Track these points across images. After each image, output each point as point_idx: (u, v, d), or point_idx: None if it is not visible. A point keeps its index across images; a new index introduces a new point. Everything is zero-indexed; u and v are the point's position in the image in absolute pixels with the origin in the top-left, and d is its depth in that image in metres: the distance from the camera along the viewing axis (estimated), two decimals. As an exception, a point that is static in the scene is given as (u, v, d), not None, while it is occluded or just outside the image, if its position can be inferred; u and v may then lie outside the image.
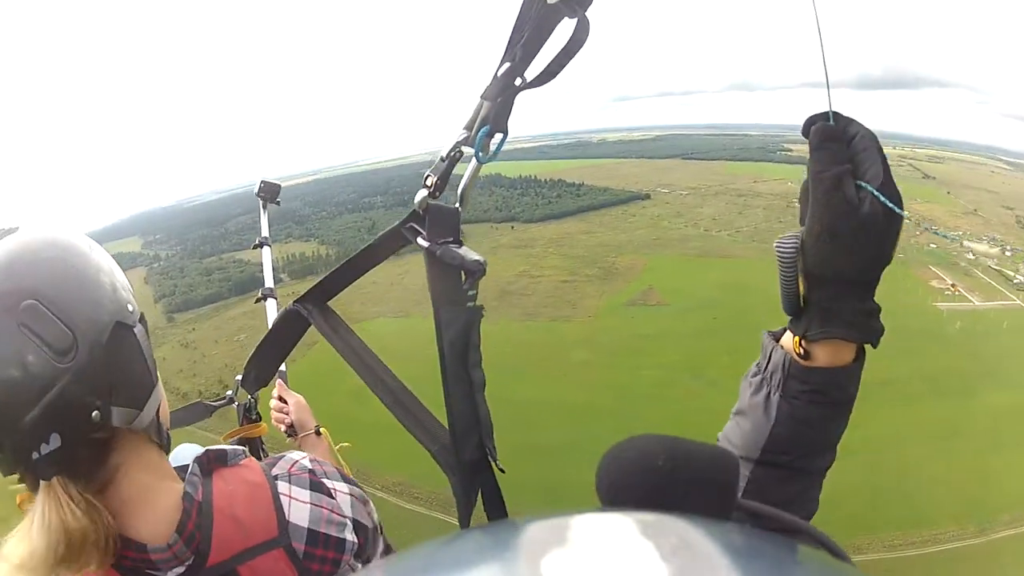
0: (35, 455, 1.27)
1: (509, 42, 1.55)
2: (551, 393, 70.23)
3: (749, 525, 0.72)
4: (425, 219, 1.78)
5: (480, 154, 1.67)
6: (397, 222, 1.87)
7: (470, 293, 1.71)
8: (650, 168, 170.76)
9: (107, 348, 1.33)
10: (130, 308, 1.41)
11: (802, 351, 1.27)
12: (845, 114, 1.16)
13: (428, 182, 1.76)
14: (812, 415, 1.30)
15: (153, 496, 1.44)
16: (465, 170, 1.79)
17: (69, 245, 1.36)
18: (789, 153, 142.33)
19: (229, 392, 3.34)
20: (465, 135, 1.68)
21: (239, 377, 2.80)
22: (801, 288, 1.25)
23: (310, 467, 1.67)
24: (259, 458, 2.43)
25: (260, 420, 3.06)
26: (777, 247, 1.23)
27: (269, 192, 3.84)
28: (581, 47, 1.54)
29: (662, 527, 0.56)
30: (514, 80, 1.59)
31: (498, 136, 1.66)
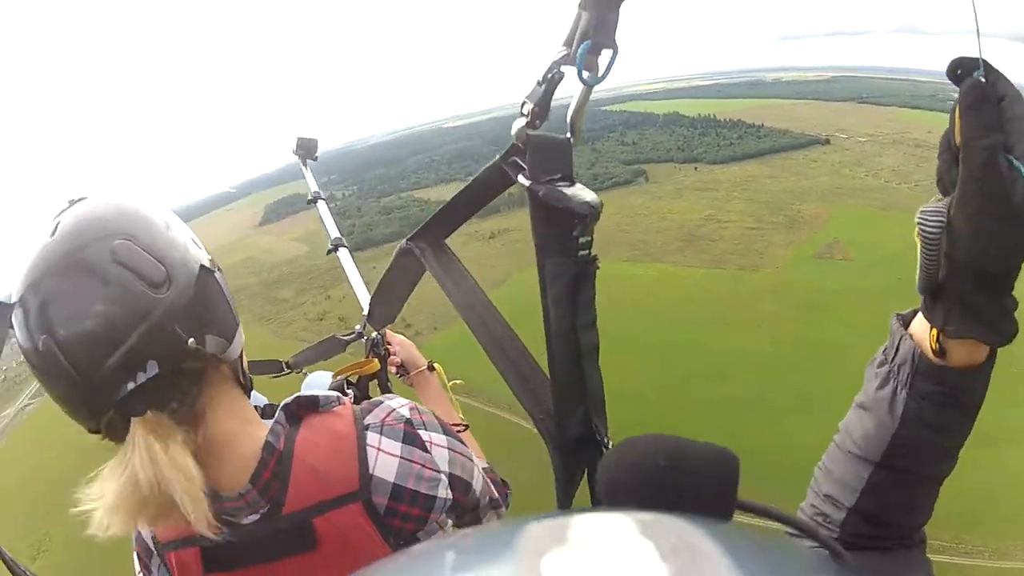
0: (130, 385, 1.28)
1: None
2: (739, 344, 72.74)
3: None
4: (525, 150, 1.58)
5: (585, 74, 1.46)
6: (498, 156, 1.67)
7: (582, 241, 1.50)
8: (826, 111, 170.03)
9: (196, 285, 1.39)
10: (208, 257, 1.48)
11: (937, 347, 1.15)
12: (995, 68, 0.99)
13: (525, 110, 1.56)
14: (940, 419, 1.21)
15: (236, 443, 1.45)
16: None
17: (140, 204, 1.42)
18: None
19: (358, 327, 3.31)
20: (565, 52, 1.47)
21: (365, 313, 2.94)
22: (941, 269, 1.10)
23: (407, 416, 1.56)
24: (386, 391, 2.75)
25: (388, 355, 2.89)
26: (921, 221, 1.09)
27: (307, 148, 3.88)
28: None
29: (662, 527, 0.56)
30: None
31: (606, 52, 1.45)
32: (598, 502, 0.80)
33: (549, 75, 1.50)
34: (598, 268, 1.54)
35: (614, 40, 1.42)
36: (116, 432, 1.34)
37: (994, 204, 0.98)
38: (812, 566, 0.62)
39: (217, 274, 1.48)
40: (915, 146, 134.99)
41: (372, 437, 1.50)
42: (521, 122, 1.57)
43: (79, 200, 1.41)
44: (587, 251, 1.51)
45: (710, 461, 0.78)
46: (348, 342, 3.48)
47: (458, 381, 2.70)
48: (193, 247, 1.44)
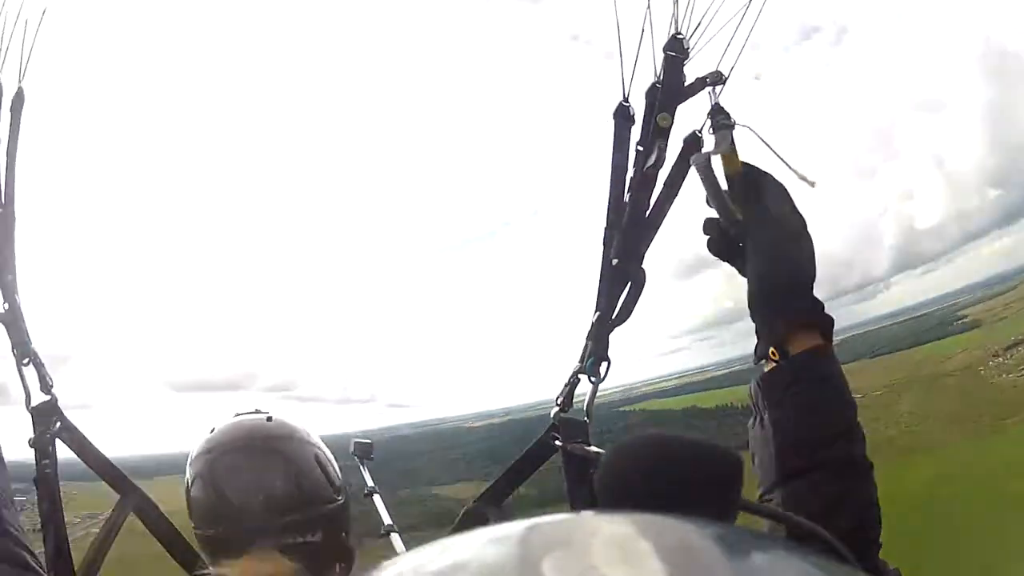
0: (299, 539, 1.80)
1: (596, 298, 2.18)
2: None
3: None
4: (559, 427, 2.42)
5: (592, 378, 2.25)
6: (543, 432, 2.51)
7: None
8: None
9: (350, 506, 1.99)
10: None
11: (776, 353, 1.47)
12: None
13: (558, 401, 2.39)
14: (800, 404, 1.39)
15: None
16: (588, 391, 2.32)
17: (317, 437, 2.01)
18: (965, 320, 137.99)
19: None
20: (579, 366, 2.29)
21: None
22: (730, 203, 1.62)
23: None
24: None
25: None
26: (692, 162, 1.63)
27: (363, 450, 4.37)
28: (640, 293, 2.13)
29: (662, 529, 0.57)
30: (606, 322, 2.16)
31: (604, 364, 2.24)
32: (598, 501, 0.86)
33: (570, 379, 2.36)
34: None
35: (607, 355, 2.25)
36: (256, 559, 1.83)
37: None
38: (814, 569, 0.62)
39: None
40: (931, 379, 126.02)
41: None
42: (555, 409, 2.44)
43: (259, 413, 2.07)
44: None
45: (712, 461, 0.77)
46: None
47: None
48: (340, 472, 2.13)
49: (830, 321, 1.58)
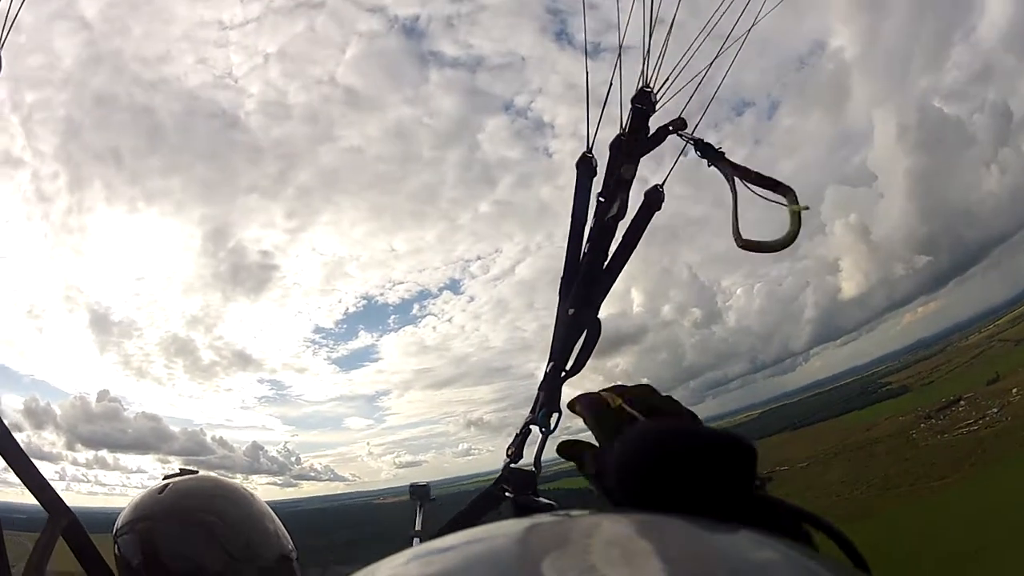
0: None
1: (551, 348, 2.21)
2: None
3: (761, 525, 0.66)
4: (509, 479, 2.31)
5: (543, 429, 2.21)
6: (492, 483, 2.43)
7: None
8: (762, 448, 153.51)
9: (272, 567, 1.92)
10: (289, 547, 1.96)
11: None
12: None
13: (509, 452, 2.33)
14: None
15: None
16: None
17: (241, 492, 2.01)
18: (891, 387, 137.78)
19: None
20: (531, 416, 2.25)
21: None
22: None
23: None
24: None
25: None
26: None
27: (420, 494, 4.34)
28: (595, 343, 2.18)
29: (665, 530, 0.57)
30: (559, 373, 2.18)
31: (555, 415, 2.20)
32: (608, 492, 0.82)
33: (521, 429, 2.26)
34: None
35: (559, 407, 2.16)
36: None
37: None
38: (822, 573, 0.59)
39: (295, 563, 2.05)
40: (856, 449, 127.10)
41: None
42: (505, 459, 2.31)
43: (190, 473, 2.10)
44: None
45: (726, 451, 0.74)
46: None
47: None
48: (276, 538, 2.04)
49: None
